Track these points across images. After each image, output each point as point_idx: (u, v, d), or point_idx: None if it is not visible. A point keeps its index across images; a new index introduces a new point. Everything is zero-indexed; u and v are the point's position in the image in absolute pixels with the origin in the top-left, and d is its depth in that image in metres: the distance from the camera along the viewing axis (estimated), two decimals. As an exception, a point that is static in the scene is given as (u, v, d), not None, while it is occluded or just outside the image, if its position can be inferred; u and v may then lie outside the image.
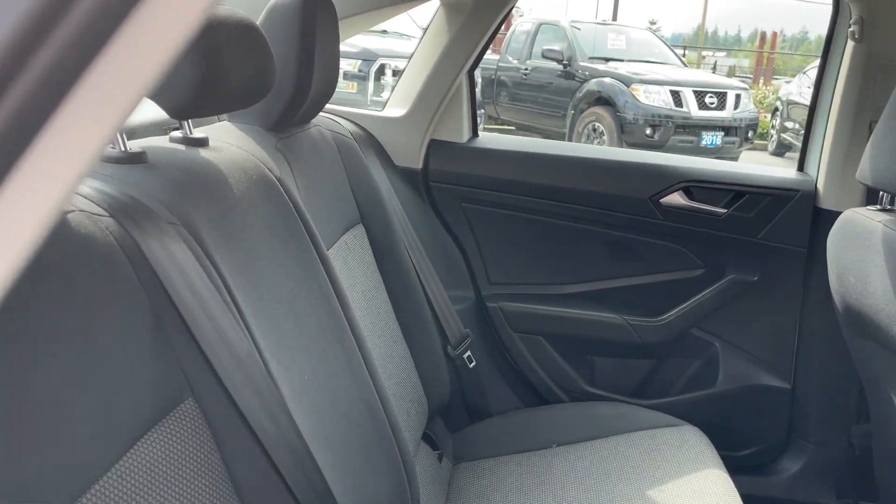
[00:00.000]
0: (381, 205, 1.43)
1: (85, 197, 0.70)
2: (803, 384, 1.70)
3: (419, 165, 1.73)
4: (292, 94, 1.15)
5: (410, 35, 6.87)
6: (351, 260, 1.32)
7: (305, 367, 0.96)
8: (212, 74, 0.82)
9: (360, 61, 6.67)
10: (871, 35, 1.48)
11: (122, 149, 0.84)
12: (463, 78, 1.69)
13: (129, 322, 0.66)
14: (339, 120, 1.55)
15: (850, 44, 1.52)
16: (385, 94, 6.60)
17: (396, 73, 6.63)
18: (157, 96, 0.81)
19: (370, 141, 1.67)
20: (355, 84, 6.63)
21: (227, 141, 1.06)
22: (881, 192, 1.25)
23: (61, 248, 0.61)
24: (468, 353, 1.62)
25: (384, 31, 7.05)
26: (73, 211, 0.65)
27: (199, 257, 0.78)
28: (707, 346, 1.75)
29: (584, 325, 1.74)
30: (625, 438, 1.47)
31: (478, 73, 9.53)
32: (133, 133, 1.09)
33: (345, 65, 6.20)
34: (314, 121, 1.35)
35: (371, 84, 6.56)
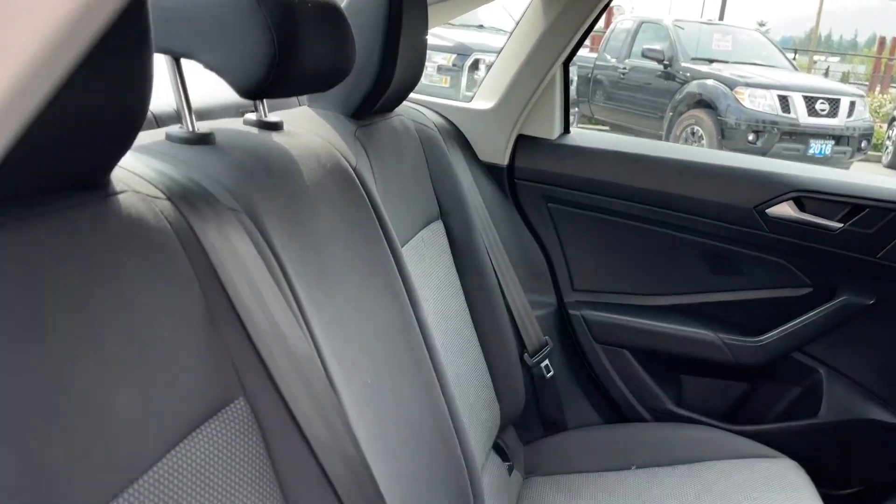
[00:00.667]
0: (462, 201, 1.37)
1: (140, 176, 0.65)
2: None
3: (505, 161, 1.66)
4: (375, 80, 1.10)
5: (506, 30, 6.75)
6: (427, 257, 1.26)
7: (369, 371, 0.90)
8: (286, 53, 0.76)
9: (454, 55, 6.64)
10: None
11: (189, 129, 0.79)
12: (557, 70, 1.60)
13: (179, 314, 0.61)
14: (423, 110, 1.49)
15: None
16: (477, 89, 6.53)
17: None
18: (227, 74, 0.76)
19: (455, 133, 1.61)
20: (448, 78, 6.60)
21: (302, 126, 1.01)
22: None
23: (108, 229, 0.56)
24: (546, 362, 1.54)
25: (480, 26, 6.99)
26: (124, 191, 0.60)
27: (259, 247, 0.73)
28: (810, 373, 1.59)
29: (673, 341, 1.62)
30: (711, 466, 1.35)
31: (574, 70, 9.38)
32: (208, 114, 1.06)
33: (439, 59, 6.18)
34: (397, 110, 1.29)
35: (464, 79, 6.51)
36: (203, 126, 0.84)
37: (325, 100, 1.14)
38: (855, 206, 1.50)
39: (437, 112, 1.60)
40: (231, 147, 0.81)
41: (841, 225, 1.50)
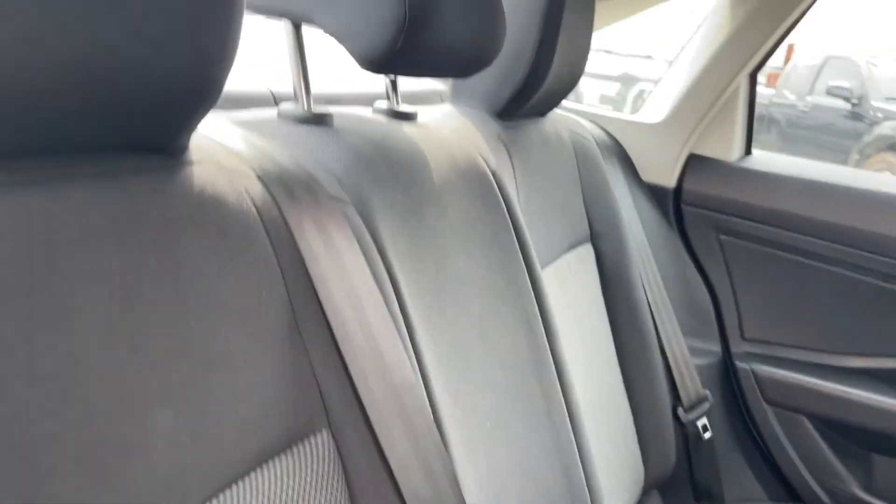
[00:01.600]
0: (617, 224, 1.20)
1: (230, 149, 0.54)
2: None
3: (672, 183, 1.46)
4: (527, 74, 0.96)
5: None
6: (571, 285, 1.10)
7: (488, 413, 0.74)
8: (418, 19, 0.63)
9: (619, 85, 6.46)
10: None
11: (304, 107, 0.68)
12: (742, 81, 1.39)
13: (257, 318, 0.49)
14: (580, 120, 1.33)
15: None
16: (641, 121, 6.34)
17: (656, 100, 6.31)
18: (347, 40, 0.64)
19: (615, 149, 1.43)
20: (611, 108, 6.42)
21: (438, 120, 0.89)
22: None
23: (173, 203, 0.45)
24: (704, 420, 1.33)
25: (649, 56, 6.77)
26: (201, 161, 0.49)
27: (365, 248, 0.60)
28: None
29: (867, 412, 1.33)
30: None
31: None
32: (337, 101, 0.95)
33: (603, 88, 6.01)
34: (551, 115, 1.14)
35: (629, 109, 6.29)
36: (323, 109, 0.73)
37: (470, 96, 1.01)
38: None
39: (596, 123, 1.43)
40: (349, 132, 0.69)
41: None
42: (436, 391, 0.65)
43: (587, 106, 1.50)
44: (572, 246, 1.13)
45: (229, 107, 0.80)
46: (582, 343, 1.09)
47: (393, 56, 0.64)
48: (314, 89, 0.70)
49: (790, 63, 8.66)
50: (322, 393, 0.54)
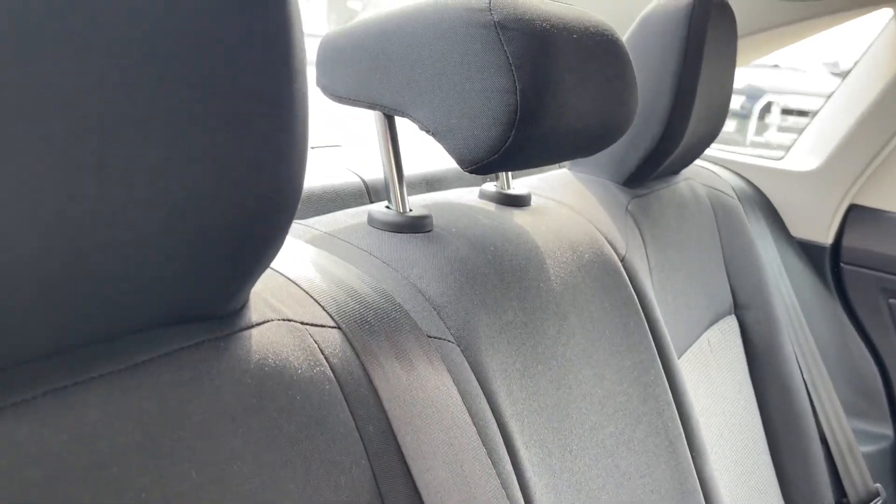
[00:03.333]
0: (764, 291, 1.06)
1: (303, 290, 0.44)
2: None
3: (829, 239, 1.28)
4: (661, 136, 0.82)
5: (805, 70, 6.09)
6: (712, 366, 0.96)
7: None
8: (533, 111, 0.51)
9: (744, 97, 6.10)
10: None
11: (399, 209, 0.58)
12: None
13: (333, 496, 0.39)
14: (718, 171, 1.17)
15: None
16: (767, 135, 5.95)
17: (786, 112, 5.92)
18: (446, 137, 0.53)
19: (760, 201, 1.27)
20: (734, 122, 6.06)
21: (557, 198, 0.76)
22: None
23: (235, 381, 0.35)
24: None
25: (775, 66, 6.36)
26: (266, 321, 0.39)
27: (468, 395, 0.49)
28: None
29: None
30: None
31: None
32: (440, 182, 0.85)
33: (726, 101, 5.70)
34: (684, 171, 1.00)
35: (754, 123, 5.91)
36: (420, 202, 0.62)
37: (591, 163, 0.88)
38: None
39: (735, 173, 1.26)
40: (452, 236, 0.58)
41: None
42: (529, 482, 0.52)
43: (725, 150, 1.33)
44: (713, 321, 0.98)
45: (311, 207, 0.71)
46: (728, 432, 0.95)
47: (502, 155, 0.52)
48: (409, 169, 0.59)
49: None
50: None
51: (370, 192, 0.77)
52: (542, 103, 0.51)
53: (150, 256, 0.30)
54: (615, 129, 0.62)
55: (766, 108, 6.07)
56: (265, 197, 0.32)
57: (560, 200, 0.77)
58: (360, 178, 0.78)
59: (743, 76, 6.02)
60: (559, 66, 0.52)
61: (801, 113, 5.23)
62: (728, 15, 0.85)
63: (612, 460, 0.64)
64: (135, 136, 0.27)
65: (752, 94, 6.13)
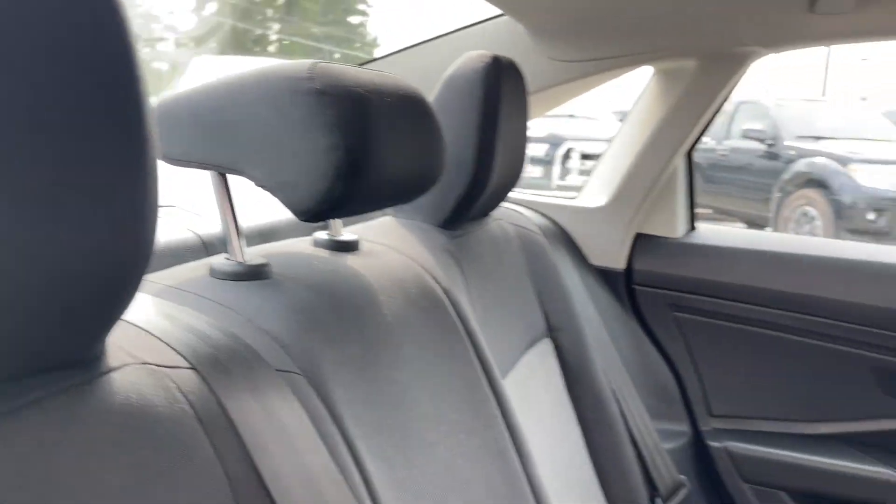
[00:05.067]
0: (572, 314, 1.16)
1: (155, 337, 0.47)
2: None
3: (622, 265, 1.44)
4: (470, 182, 0.92)
5: (597, 118, 6.70)
6: (533, 386, 1.05)
7: None
8: (357, 165, 0.58)
9: (547, 145, 6.58)
10: None
11: (239, 259, 0.62)
12: (680, 160, 1.39)
13: None
14: (523, 211, 1.30)
15: None
16: (570, 178, 6.44)
17: (584, 157, 6.46)
18: (281, 192, 0.59)
19: (561, 236, 1.41)
20: (540, 169, 6.51)
21: (383, 242, 0.83)
22: None
23: (96, 422, 0.38)
24: None
25: (571, 115, 6.94)
26: (125, 365, 0.42)
27: (318, 420, 0.54)
28: None
29: (842, 481, 1.30)
30: None
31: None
32: (273, 234, 0.89)
33: (532, 149, 6.11)
34: (494, 213, 1.11)
35: (557, 168, 6.40)
36: (258, 252, 0.67)
37: (411, 210, 0.96)
38: None
39: (538, 211, 1.40)
40: (291, 281, 0.63)
41: None
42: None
43: (527, 192, 1.47)
44: (531, 344, 1.08)
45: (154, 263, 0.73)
46: (552, 443, 1.04)
47: (332, 203, 0.59)
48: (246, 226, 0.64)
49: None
50: None
51: (206, 247, 0.80)
52: (364, 158, 0.58)
53: (14, 310, 0.33)
54: (428, 176, 0.70)
55: (567, 154, 6.59)
56: (123, 254, 0.36)
57: (386, 244, 0.84)
58: (196, 234, 0.81)
59: (544, 126, 6.52)
60: (377, 125, 0.59)
61: (596, 157, 5.76)
62: (518, 75, 0.97)
63: (450, 471, 0.71)
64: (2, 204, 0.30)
65: (554, 142, 6.65)
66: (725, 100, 1.34)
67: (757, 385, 1.40)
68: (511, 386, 0.95)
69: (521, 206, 1.36)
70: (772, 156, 7.48)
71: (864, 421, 1.34)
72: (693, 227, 1.48)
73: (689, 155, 1.42)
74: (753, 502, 1.36)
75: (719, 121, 8.44)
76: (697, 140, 1.38)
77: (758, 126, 7.70)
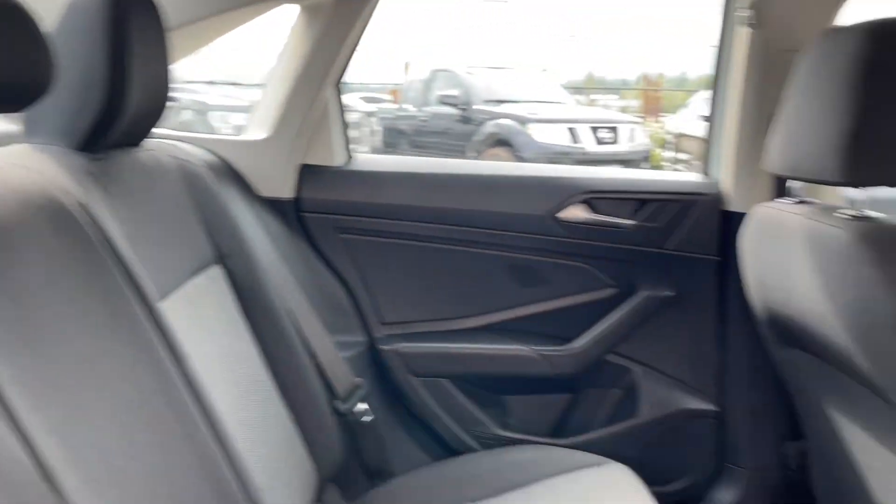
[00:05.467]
0: (243, 241, 1.21)
1: None
2: (731, 405, 1.55)
3: (290, 194, 1.53)
4: (104, 104, 0.93)
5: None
6: (205, 308, 1.09)
7: (114, 452, 0.72)
8: None
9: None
10: (766, 19, 1.39)
11: None
12: (330, 92, 1.51)
13: None
14: (183, 146, 1.32)
15: (745, 30, 1.42)
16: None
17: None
18: None
19: (226, 170, 1.45)
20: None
21: (10, 161, 0.82)
22: (788, 185, 1.16)
23: None
24: (364, 405, 1.40)
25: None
26: None
27: None
28: (625, 373, 1.58)
29: (490, 362, 1.55)
30: (545, 485, 1.27)
31: (378, 122, 9.42)
32: None
33: (237, 119, 5.96)
34: (148, 145, 1.12)
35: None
36: None
37: (46, 133, 0.95)
38: (641, 202, 1.52)
39: (202, 146, 1.43)
40: None
41: (633, 222, 1.52)
42: (41, 448, 0.61)
43: (193, 134, 1.50)
44: (197, 270, 1.11)
45: None
46: (226, 363, 1.09)
47: None
48: None
49: (407, 79, 9.52)
50: None
51: None
52: None
53: None
54: (34, 87, 0.72)
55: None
56: None
57: (12, 162, 0.83)
58: None
59: (248, 95, 6.38)
60: None
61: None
62: (150, 8, 1.00)
63: (90, 367, 0.74)
64: None
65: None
66: (363, 31, 1.47)
67: (418, 292, 1.58)
68: (176, 307, 0.98)
69: (183, 143, 1.38)
70: (466, 119, 8.10)
71: (505, 310, 1.59)
72: (350, 157, 1.62)
73: (337, 87, 1.54)
74: (421, 392, 1.55)
75: (417, 87, 8.95)
76: (343, 71, 1.51)
77: (452, 92, 8.29)
